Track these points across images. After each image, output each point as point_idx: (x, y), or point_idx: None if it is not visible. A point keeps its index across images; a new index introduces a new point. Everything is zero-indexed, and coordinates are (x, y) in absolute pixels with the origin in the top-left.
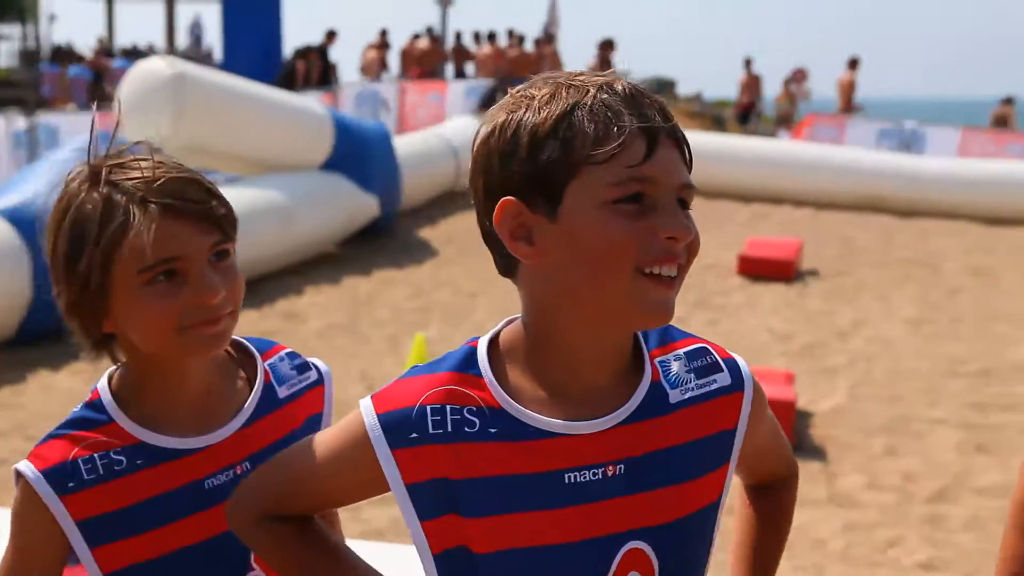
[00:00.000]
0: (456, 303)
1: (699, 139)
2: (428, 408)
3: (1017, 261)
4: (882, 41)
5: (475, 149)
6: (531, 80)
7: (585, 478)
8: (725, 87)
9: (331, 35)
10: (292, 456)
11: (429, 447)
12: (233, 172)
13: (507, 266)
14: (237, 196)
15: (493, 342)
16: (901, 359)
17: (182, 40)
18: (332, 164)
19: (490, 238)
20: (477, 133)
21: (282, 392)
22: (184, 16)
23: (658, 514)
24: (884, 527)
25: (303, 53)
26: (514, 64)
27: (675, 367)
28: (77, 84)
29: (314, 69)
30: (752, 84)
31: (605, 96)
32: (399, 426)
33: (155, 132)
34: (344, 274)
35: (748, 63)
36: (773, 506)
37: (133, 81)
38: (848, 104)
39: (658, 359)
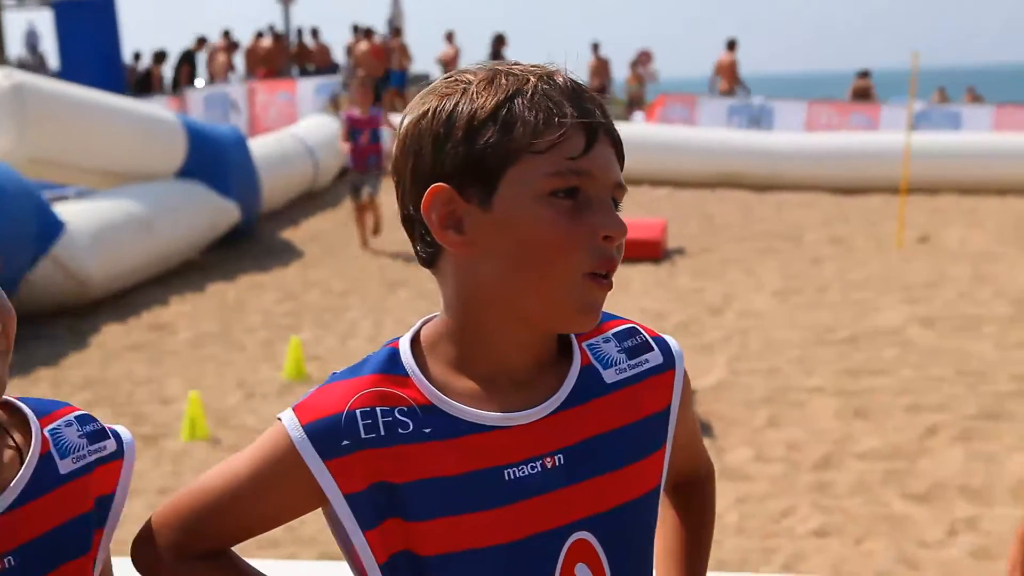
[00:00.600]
0: (328, 304)
1: None
2: (357, 412)
3: (868, 229)
4: (731, 19)
5: (402, 131)
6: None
7: (524, 472)
8: (575, 72)
9: (201, 42)
10: (210, 483)
11: (363, 452)
12: (84, 184)
13: (429, 255)
14: (93, 208)
15: (415, 341)
16: (773, 331)
17: (12, 50)
18: (188, 171)
19: (412, 224)
20: (402, 119)
21: (65, 466)
22: (11, 25)
23: (600, 502)
24: (775, 498)
25: (159, 58)
26: (365, 58)
27: (605, 348)
28: None
29: (182, 75)
30: (601, 68)
31: (546, 87)
32: (328, 435)
33: None
34: (209, 281)
35: (595, 47)
36: (698, 505)
37: None
38: (731, 85)
39: (587, 342)
